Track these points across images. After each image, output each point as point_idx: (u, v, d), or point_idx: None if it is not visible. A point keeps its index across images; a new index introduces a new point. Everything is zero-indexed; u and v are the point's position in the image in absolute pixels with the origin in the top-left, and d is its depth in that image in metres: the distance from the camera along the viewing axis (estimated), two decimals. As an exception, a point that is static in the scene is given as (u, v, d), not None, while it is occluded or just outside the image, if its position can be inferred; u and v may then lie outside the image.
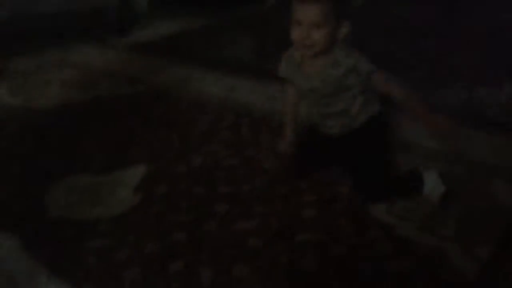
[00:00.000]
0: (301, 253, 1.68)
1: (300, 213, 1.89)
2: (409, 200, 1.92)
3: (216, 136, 2.49)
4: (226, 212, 1.90)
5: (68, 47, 3.97)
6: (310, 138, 2.10)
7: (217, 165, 2.22)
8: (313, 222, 1.83)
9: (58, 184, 2.08)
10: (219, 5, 5.02)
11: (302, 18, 1.67)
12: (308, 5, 1.66)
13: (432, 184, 1.90)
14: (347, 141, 1.95)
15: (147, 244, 1.73)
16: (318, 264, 1.63)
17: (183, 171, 2.18)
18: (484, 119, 2.55)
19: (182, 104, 2.87)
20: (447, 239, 1.72)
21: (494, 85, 2.95)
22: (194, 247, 1.71)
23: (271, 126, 2.56)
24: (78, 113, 2.82)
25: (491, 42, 3.82)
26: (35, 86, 3.25)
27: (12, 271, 1.59)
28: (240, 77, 3.25)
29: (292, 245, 1.72)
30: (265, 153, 2.30)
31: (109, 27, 4.36)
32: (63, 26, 3.97)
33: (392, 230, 1.78)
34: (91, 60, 3.74)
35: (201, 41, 4.21)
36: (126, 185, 2.07)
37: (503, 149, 2.27)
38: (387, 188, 1.93)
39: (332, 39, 1.73)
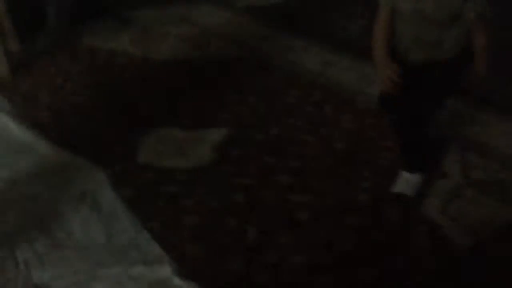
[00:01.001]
0: (343, 234, 1.82)
1: (355, 197, 2.02)
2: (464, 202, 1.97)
3: (299, 110, 2.65)
4: (286, 183, 2.08)
5: (190, 5, 4.25)
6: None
7: (292, 139, 2.39)
8: (364, 207, 1.96)
9: (151, 133, 2.40)
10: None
11: None
12: None
13: None
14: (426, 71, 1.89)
15: (210, 198, 1.98)
16: (354, 247, 1.77)
17: (259, 139, 2.39)
18: None
19: (276, 75, 3.04)
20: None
21: None
22: (248, 209, 1.93)
23: (355, 107, 2.64)
24: (184, 70, 3.11)
25: None
26: (154, 39, 3.59)
27: (98, 202, 1.94)
28: (338, 54, 3.32)
29: (337, 224, 1.87)
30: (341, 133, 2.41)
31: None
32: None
33: (438, 229, 1.85)
34: (208, 19, 4.00)
35: (313, 12, 4.26)
36: (207, 143, 2.33)
37: None
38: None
39: None
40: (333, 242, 1.79)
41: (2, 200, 1.98)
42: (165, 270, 1.67)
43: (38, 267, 1.70)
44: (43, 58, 3.22)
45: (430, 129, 2.01)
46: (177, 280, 1.63)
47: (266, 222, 1.87)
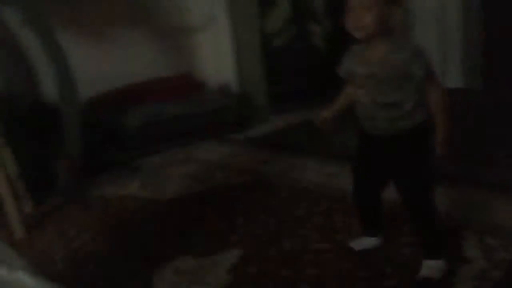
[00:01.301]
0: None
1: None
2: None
3: (309, 221, 2.66)
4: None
5: (192, 145, 4.48)
6: (362, 145, 2.14)
7: (306, 249, 2.38)
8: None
9: (166, 265, 2.40)
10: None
11: (354, 3, 1.83)
12: None
13: None
14: (396, 144, 1.95)
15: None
16: None
17: (273, 254, 2.37)
18: None
19: (282, 192, 3.12)
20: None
21: None
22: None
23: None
24: (192, 203, 3.19)
25: None
26: (162, 180, 3.74)
27: None
28: (339, 165, 3.42)
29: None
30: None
31: (228, 125, 4.83)
32: (187, 127, 4.52)
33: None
34: (210, 155, 4.20)
35: (311, 132, 4.46)
36: (221, 266, 2.32)
37: None
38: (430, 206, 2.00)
39: (385, 24, 1.83)
40: None
41: None
42: None
43: None
44: (56, 214, 3.32)
45: (436, 213, 2.02)
46: None
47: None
